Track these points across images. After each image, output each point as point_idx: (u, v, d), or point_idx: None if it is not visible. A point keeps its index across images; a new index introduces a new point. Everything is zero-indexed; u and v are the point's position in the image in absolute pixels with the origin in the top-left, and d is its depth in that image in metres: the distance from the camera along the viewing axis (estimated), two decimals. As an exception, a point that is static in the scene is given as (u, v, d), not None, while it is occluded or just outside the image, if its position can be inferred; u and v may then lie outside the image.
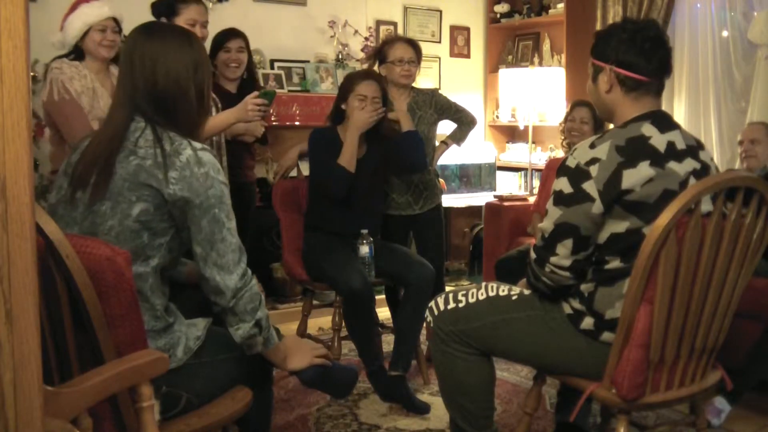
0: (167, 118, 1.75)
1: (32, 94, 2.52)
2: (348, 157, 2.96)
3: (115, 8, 2.82)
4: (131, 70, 1.76)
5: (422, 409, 2.89)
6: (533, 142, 5.17)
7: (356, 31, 4.91)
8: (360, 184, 3.11)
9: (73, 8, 2.80)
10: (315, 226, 3.15)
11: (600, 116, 2.14)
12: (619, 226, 1.83)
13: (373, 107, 3.00)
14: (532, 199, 4.34)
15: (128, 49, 1.79)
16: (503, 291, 2.09)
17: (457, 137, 3.59)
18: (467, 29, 5.60)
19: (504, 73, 5.28)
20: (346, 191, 2.98)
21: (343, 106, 3.09)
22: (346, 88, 3.06)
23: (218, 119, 2.79)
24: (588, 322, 1.93)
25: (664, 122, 1.92)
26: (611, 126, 2.05)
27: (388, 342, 3.43)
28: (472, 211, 5.37)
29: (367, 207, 3.13)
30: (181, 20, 2.75)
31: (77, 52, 2.79)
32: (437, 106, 3.43)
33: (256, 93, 2.77)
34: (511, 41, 5.74)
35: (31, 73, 2.90)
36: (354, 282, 2.83)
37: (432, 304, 2.16)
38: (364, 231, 3.06)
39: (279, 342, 1.87)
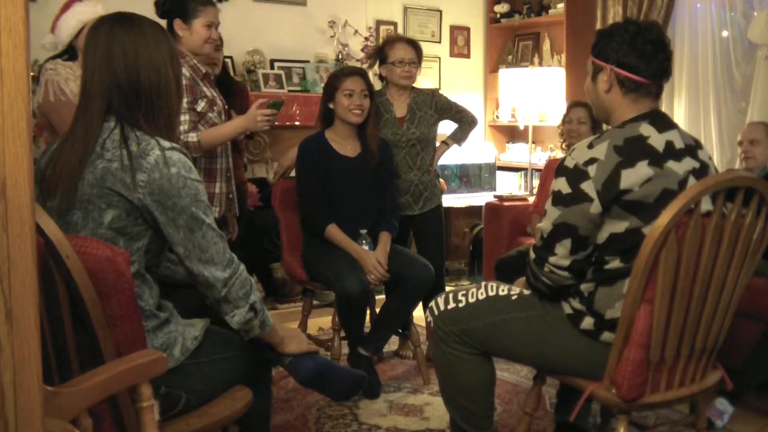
0: (144, 111, 1.69)
1: (32, 94, 2.52)
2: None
3: (114, 7, 2.81)
4: (110, 61, 1.67)
5: (373, 393, 3.00)
6: (533, 142, 5.17)
7: (356, 31, 4.91)
8: (357, 184, 3.11)
9: (66, 8, 2.79)
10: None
11: (597, 116, 2.14)
12: (619, 226, 1.83)
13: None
14: (532, 199, 4.34)
15: (104, 39, 1.69)
16: (503, 291, 2.09)
17: (458, 137, 3.59)
18: (467, 29, 5.60)
19: (504, 73, 5.27)
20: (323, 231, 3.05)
21: (331, 105, 3.10)
22: (332, 87, 3.08)
23: (227, 128, 2.79)
24: (588, 322, 1.93)
25: (662, 122, 1.92)
26: (607, 126, 2.05)
27: (391, 343, 3.43)
28: (472, 211, 5.37)
29: (365, 207, 3.14)
30: (199, 23, 2.75)
31: (71, 52, 2.78)
32: (437, 106, 3.43)
33: (264, 102, 2.77)
34: (511, 41, 5.74)
35: (31, 73, 2.90)
36: (350, 286, 2.84)
37: (432, 304, 2.16)
38: (363, 231, 3.07)
39: (275, 324, 1.87)
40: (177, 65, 1.79)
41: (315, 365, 1.93)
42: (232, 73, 4.31)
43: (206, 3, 2.78)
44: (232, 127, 2.79)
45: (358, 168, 3.11)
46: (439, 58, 5.44)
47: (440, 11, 5.43)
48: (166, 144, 1.68)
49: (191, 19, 2.75)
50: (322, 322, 4.06)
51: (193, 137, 2.68)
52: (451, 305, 2.10)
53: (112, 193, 1.62)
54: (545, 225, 1.92)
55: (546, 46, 5.41)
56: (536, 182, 4.81)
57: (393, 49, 3.32)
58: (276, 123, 2.93)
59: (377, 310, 3.27)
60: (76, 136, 1.67)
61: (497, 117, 5.65)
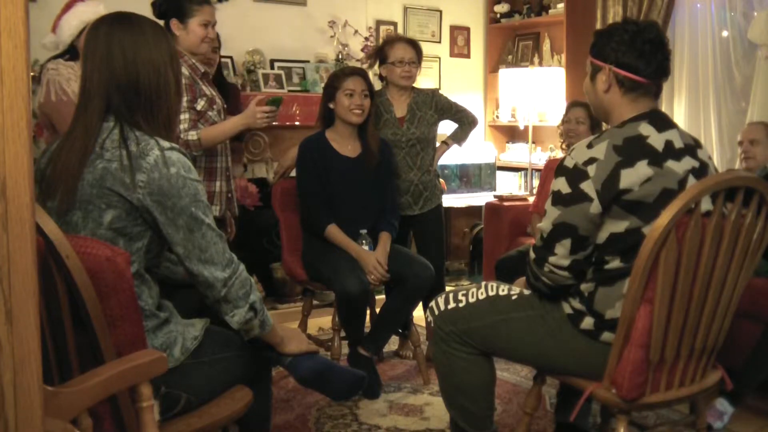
0: (143, 111, 1.69)
1: (32, 94, 2.52)
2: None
3: (116, 8, 2.82)
4: (109, 61, 1.68)
5: (373, 393, 3.00)
6: (533, 142, 5.17)
7: (356, 31, 4.91)
8: (357, 184, 3.11)
9: (68, 7, 2.79)
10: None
11: (596, 116, 2.14)
12: (619, 226, 1.83)
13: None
14: (531, 199, 4.34)
15: (104, 39, 1.69)
16: (503, 291, 2.10)
17: (458, 137, 3.60)
18: (467, 29, 5.60)
19: (504, 73, 5.27)
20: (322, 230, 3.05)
21: (331, 105, 3.10)
22: (333, 87, 3.08)
23: (227, 126, 2.79)
24: (588, 322, 1.93)
25: (662, 121, 1.92)
26: (607, 126, 2.04)
27: (391, 343, 3.43)
28: (472, 211, 5.37)
29: (365, 207, 3.14)
30: (195, 21, 2.75)
31: (72, 52, 2.78)
32: (438, 106, 3.43)
33: (263, 99, 2.77)
34: (511, 41, 5.74)
35: (31, 73, 2.90)
36: (350, 286, 2.84)
37: (432, 304, 2.16)
38: (363, 231, 3.07)
39: (275, 324, 1.87)
40: (177, 65, 1.79)
41: (315, 365, 1.93)
42: (232, 74, 4.32)
43: (202, 2, 2.78)
44: (231, 124, 2.80)
45: (359, 168, 3.12)
46: (439, 58, 5.44)
47: (440, 11, 5.42)
48: (166, 144, 1.68)
49: (187, 18, 2.76)
50: (322, 322, 4.06)
51: (193, 135, 2.68)
52: (451, 305, 2.10)
53: (111, 194, 1.62)
54: (545, 225, 1.92)
55: (546, 46, 5.41)
56: (536, 182, 4.82)
57: (393, 49, 3.32)
58: (276, 122, 2.94)
59: (377, 310, 3.27)
60: (76, 136, 1.67)
61: (497, 117, 5.64)
